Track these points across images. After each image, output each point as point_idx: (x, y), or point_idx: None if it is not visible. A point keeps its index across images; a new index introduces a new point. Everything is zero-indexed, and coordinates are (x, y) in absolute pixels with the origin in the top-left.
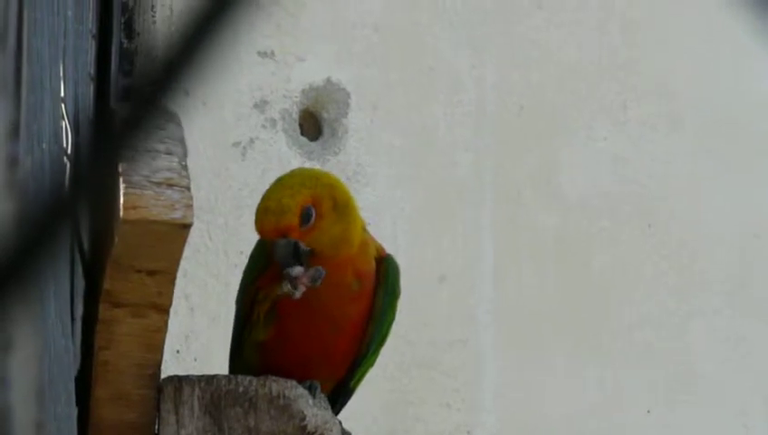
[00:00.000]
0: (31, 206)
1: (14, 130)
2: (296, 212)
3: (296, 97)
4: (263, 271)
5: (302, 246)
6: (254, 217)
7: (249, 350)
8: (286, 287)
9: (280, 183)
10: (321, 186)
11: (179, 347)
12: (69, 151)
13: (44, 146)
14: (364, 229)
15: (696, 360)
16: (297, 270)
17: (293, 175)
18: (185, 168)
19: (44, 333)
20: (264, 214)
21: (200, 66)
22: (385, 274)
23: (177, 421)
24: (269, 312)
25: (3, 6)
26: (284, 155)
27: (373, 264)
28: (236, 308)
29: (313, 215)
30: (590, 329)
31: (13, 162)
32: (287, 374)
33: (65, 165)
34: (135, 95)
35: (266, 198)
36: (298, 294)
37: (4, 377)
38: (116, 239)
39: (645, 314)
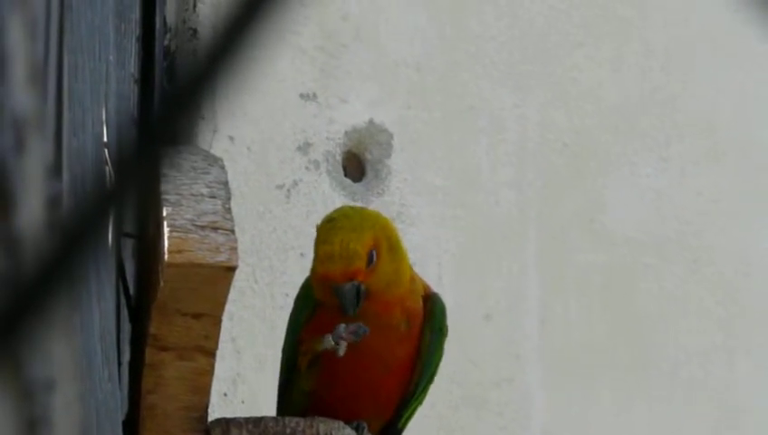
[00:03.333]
0: (70, 225)
1: (55, 171)
2: (364, 257)
3: (339, 139)
4: (308, 320)
5: (363, 288)
6: (318, 260)
7: (297, 393)
8: (329, 344)
9: (340, 224)
10: (378, 227)
11: (226, 390)
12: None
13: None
14: (410, 267)
15: (743, 395)
16: (342, 327)
17: (349, 216)
18: (229, 211)
19: (91, 378)
20: (332, 259)
21: (236, 73)
22: (431, 312)
23: None
24: (312, 363)
25: (42, 48)
26: (328, 197)
27: (420, 301)
28: (282, 356)
29: (375, 257)
30: (637, 365)
31: (53, 202)
32: (336, 416)
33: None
34: (173, 102)
35: (330, 241)
36: (342, 352)
37: (47, 417)
38: (161, 283)
39: (691, 350)
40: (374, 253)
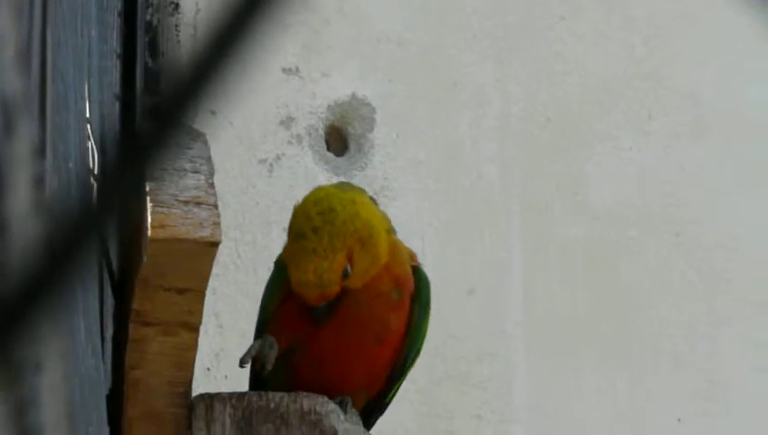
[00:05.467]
0: (58, 225)
1: (40, 151)
2: (338, 281)
3: (322, 113)
4: (282, 298)
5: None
6: (291, 279)
7: (279, 368)
8: (266, 368)
9: (311, 247)
10: (350, 237)
11: (210, 365)
12: (95, 171)
13: (71, 165)
14: (389, 233)
15: (726, 367)
16: (254, 349)
17: (319, 232)
18: (212, 186)
19: (74, 354)
20: (306, 287)
21: (224, 83)
22: (417, 285)
23: None
24: (263, 368)
25: (27, 27)
26: (311, 171)
27: (409, 268)
28: (255, 332)
29: (349, 270)
30: (620, 339)
31: (38, 182)
32: (324, 389)
33: (92, 185)
34: (160, 112)
35: (303, 269)
36: (269, 367)
37: (34, 398)
38: (144, 258)
39: (674, 323)
40: (348, 269)
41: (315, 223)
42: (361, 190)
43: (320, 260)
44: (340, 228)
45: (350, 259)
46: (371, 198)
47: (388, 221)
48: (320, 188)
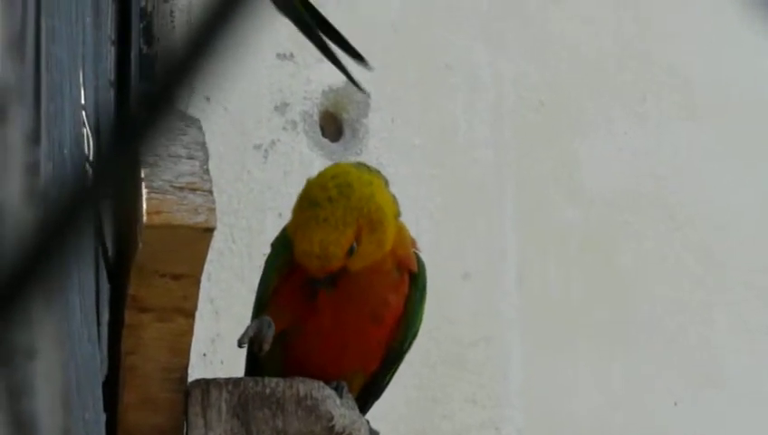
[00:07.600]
0: (52, 210)
1: (34, 138)
2: (342, 256)
3: (316, 98)
4: (279, 279)
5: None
6: (296, 250)
7: (275, 351)
8: (263, 348)
9: (323, 216)
10: (362, 216)
11: (206, 350)
12: (90, 158)
13: (66, 152)
14: (396, 218)
15: (722, 351)
16: (252, 329)
17: (334, 202)
18: (207, 171)
19: (70, 339)
20: (310, 257)
21: (215, 67)
22: (416, 268)
23: (205, 425)
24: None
25: (20, 15)
26: (306, 157)
27: (411, 250)
28: (253, 312)
29: (355, 246)
30: (615, 323)
31: (32, 170)
32: (322, 369)
33: (87, 171)
34: (152, 98)
35: (309, 238)
36: (267, 347)
37: (28, 385)
38: (140, 244)
39: (669, 307)
40: (355, 246)
41: (331, 193)
42: (378, 173)
43: (329, 230)
44: (355, 204)
45: (357, 238)
46: (385, 180)
47: (397, 205)
48: (338, 165)
